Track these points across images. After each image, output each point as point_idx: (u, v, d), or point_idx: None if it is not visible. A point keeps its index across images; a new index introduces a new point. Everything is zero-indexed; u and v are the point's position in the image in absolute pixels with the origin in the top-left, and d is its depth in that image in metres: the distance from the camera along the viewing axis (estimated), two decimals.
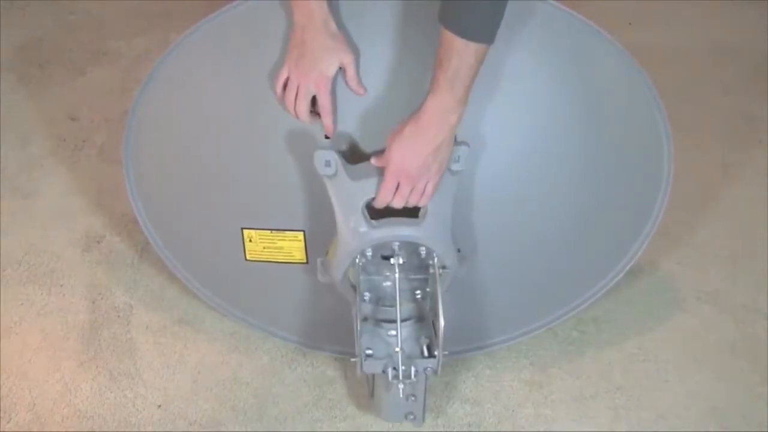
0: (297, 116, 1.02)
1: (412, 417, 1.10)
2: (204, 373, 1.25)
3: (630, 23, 1.98)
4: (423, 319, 1.05)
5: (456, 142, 0.98)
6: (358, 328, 1.01)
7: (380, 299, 1.05)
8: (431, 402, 1.19)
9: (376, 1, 1.02)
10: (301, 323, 1.24)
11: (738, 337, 1.29)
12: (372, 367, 1.02)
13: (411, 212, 1.00)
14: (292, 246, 1.14)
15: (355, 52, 1.00)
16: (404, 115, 0.96)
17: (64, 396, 1.22)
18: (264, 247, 1.15)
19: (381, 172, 0.98)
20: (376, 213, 1.00)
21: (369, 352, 1.01)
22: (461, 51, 0.88)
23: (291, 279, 1.17)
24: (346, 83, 1.01)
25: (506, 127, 1.06)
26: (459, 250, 1.05)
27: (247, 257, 1.17)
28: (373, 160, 0.99)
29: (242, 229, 1.15)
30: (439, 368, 1.00)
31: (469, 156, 1.00)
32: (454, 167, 1.00)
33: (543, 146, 1.08)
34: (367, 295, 1.03)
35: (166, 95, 1.14)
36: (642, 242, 1.18)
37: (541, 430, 1.18)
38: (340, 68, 0.99)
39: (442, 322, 0.96)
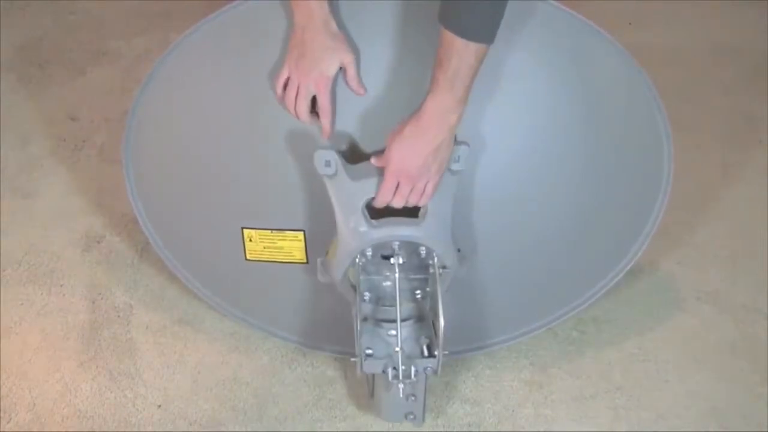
0: (297, 116, 1.02)
1: (412, 417, 1.10)
2: (204, 373, 1.25)
3: (630, 23, 1.98)
4: (423, 319, 1.05)
5: (456, 142, 0.98)
6: (358, 328, 1.01)
7: (380, 299, 1.05)
8: (431, 402, 1.19)
9: (376, 1, 1.02)
10: (301, 323, 1.24)
11: (738, 337, 1.29)
12: (372, 367, 1.02)
13: (411, 212, 1.00)
14: (292, 246, 1.14)
15: (356, 52, 1.00)
16: (404, 115, 0.96)
17: (64, 396, 1.22)
18: (264, 247, 1.15)
19: (381, 171, 0.98)
20: (376, 213, 1.00)
21: (369, 352, 1.02)
22: (461, 51, 0.88)
23: (291, 279, 1.17)
24: (347, 83, 1.01)
25: (506, 127, 1.06)
26: (459, 250, 1.05)
27: (248, 257, 1.17)
28: (373, 160, 0.99)
29: (242, 228, 1.15)
30: (439, 368, 1.00)
31: (469, 156, 1.00)
32: (454, 167, 1.00)
33: (543, 146, 1.08)
34: (367, 295, 1.03)
35: (166, 95, 1.14)
36: (642, 242, 1.18)
37: (541, 430, 1.18)
38: (341, 68, 1.00)
39: (442, 322, 0.96)
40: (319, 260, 1.09)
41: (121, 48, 1.94)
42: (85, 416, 1.19)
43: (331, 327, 1.21)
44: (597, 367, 1.26)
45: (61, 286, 1.39)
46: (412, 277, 1.04)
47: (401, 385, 1.01)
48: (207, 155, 1.13)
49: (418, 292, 1.04)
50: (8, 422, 1.18)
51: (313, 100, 1.01)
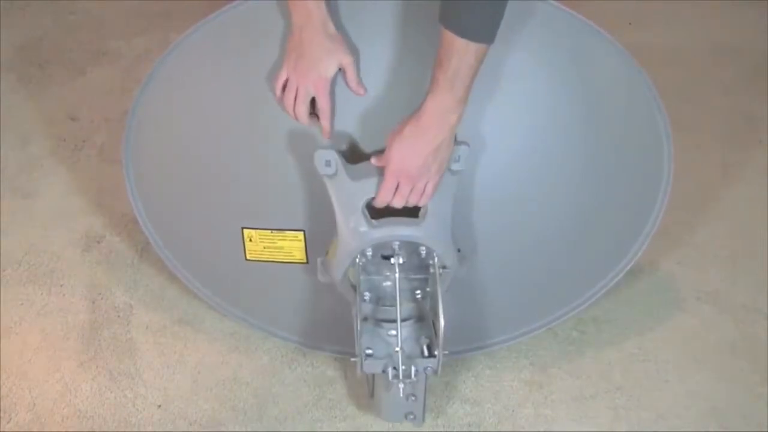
0: (296, 118, 1.02)
1: (412, 417, 1.10)
2: (204, 373, 1.25)
3: (630, 23, 1.98)
4: (423, 318, 1.05)
5: (456, 142, 0.98)
6: (358, 327, 1.01)
7: (380, 299, 1.05)
8: (431, 402, 1.19)
9: (376, 1, 1.02)
10: (301, 323, 1.24)
11: (738, 337, 1.29)
12: (372, 366, 1.02)
13: (411, 212, 1.00)
14: (292, 246, 1.14)
15: (354, 53, 1.00)
16: (404, 115, 0.96)
17: (64, 396, 1.22)
18: (264, 247, 1.15)
19: (381, 171, 0.98)
20: (377, 213, 1.00)
21: (369, 351, 1.01)
22: (461, 51, 0.88)
23: (291, 279, 1.17)
24: (346, 84, 1.01)
25: (506, 127, 1.06)
26: (459, 250, 1.05)
27: (248, 257, 1.17)
28: (373, 160, 0.99)
29: (242, 228, 1.15)
30: (439, 368, 1.00)
31: (469, 156, 1.00)
32: (454, 167, 1.00)
33: (543, 146, 1.08)
34: (367, 295, 1.03)
35: (166, 95, 1.14)
36: (642, 242, 1.18)
37: (541, 430, 1.18)
38: (340, 69, 1.00)
39: (442, 322, 0.96)
40: (319, 260, 1.09)
41: (121, 48, 1.94)
42: (85, 416, 1.19)
43: (331, 327, 1.21)
44: (597, 367, 1.26)
45: (61, 286, 1.39)
46: (412, 277, 1.04)
47: (401, 385, 1.01)
48: (207, 155, 1.13)
49: (418, 292, 1.04)
50: (8, 422, 1.18)
51: (313, 100, 1.01)
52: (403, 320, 1.01)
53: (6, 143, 1.68)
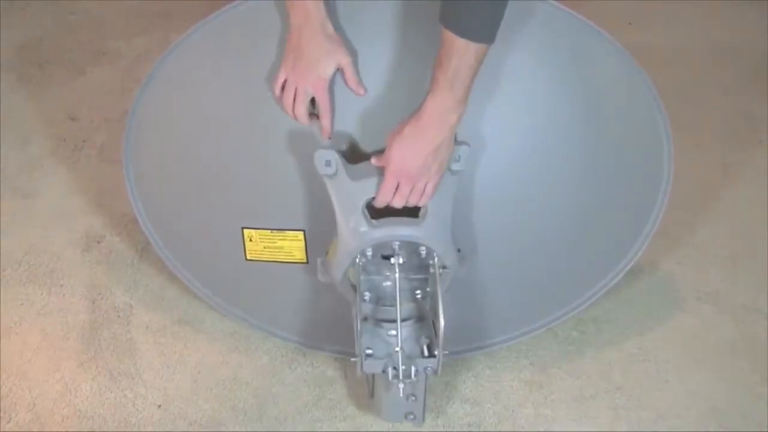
0: (296, 118, 1.02)
1: (412, 417, 1.10)
2: (204, 373, 1.25)
3: (630, 23, 1.98)
4: (423, 318, 1.05)
5: (456, 142, 0.98)
6: (358, 327, 1.01)
7: (380, 299, 1.05)
8: (431, 402, 1.19)
9: (376, 1, 1.02)
10: (301, 323, 1.24)
11: (738, 337, 1.29)
12: (372, 366, 1.02)
13: (411, 212, 1.00)
14: (292, 246, 1.14)
15: (353, 53, 1.00)
16: (404, 115, 0.96)
17: (64, 396, 1.22)
18: (264, 247, 1.15)
19: (381, 171, 0.98)
20: (377, 213, 1.00)
21: (369, 351, 1.01)
22: (461, 51, 0.88)
23: (291, 279, 1.17)
24: (346, 84, 1.01)
25: (506, 127, 1.06)
26: (459, 250, 1.05)
27: (248, 257, 1.17)
28: (373, 160, 0.99)
29: (242, 228, 1.15)
30: (440, 368, 1.00)
31: (470, 156, 1.00)
32: (455, 167, 1.00)
33: (543, 146, 1.08)
34: (367, 295, 1.03)
35: (166, 95, 1.14)
36: (642, 242, 1.18)
37: (541, 430, 1.18)
38: (338, 69, 0.99)
39: (442, 322, 0.96)
40: (319, 260, 1.09)
41: (121, 48, 1.94)
42: (85, 416, 1.19)
43: (331, 327, 1.21)
44: (597, 367, 1.26)
45: (61, 286, 1.39)
46: (413, 277, 1.04)
47: (401, 385, 1.01)
48: (207, 155, 1.13)
49: (419, 292, 1.04)
50: (8, 422, 1.18)
51: (313, 100, 1.01)
52: (403, 320, 1.01)
53: (6, 143, 1.68)
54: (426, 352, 1.01)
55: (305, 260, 1.15)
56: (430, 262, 1.01)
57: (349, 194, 1.00)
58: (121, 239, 1.47)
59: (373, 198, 0.99)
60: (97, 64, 1.89)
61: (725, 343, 1.29)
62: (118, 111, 1.72)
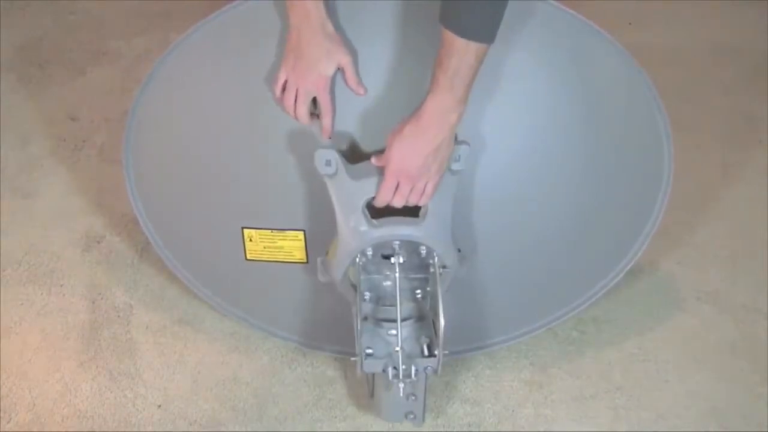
0: (297, 119, 1.02)
1: (412, 416, 1.10)
2: (204, 373, 1.25)
3: (630, 23, 1.98)
4: (423, 318, 1.05)
5: (456, 142, 0.98)
6: (358, 327, 1.01)
7: (380, 299, 1.05)
8: (431, 402, 1.19)
9: (376, 2, 1.02)
10: (301, 323, 1.24)
11: (738, 337, 1.29)
12: (372, 366, 1.02)
13: (411, 212, 1.00)
14: (292, 245, 1.14)
15: (353, 53, 1.00)
16: (404, 115, 0.96)
17: (64, 396, 1.22)
18: (264, 247, 1.15)
19: (381, 171, 0.98)
20: (377, 212, 1.00)
21: (369, 351, 1.01)
22: (461, 51, 0.88)
23: (291, 279, 1.17)
24: (346, 83, 1.01)
25: (506, 127, 1.06)
26: (459, 250, 1.05)
27: (248, 257, 1.17)
28: (373, 160, 0.99)
29: (242, 228, 1.15)
30: (440, 368, 1.00)
31: (470, 156, 1.00)
32: (455, 167, 1.00)
33: (543, 146, 1.08)
34: (367, 295, 1.03)
35: (166, 95, 1.14)
36: (642, 242, 1.18)
37: (541, 430, 1.18)
38: (339, 69, 1.00)
39: (442, 321, 0.96)
40: (319, 260, 1.09)
41: (121, 48, 1.94)
42: (85, 416, 1.19)
43: (331, 327, 1.21)
44: (597, 367, 1.26)
45: (61, 286, 1.39)
46: (413, 276, 1.04)
47: (401, 385, 1.01)
48: (207, 155, 1.13)
49: (419, 291, 1.04)
50: (8, 422, 1.18)
51: (313, 100, 1.01)
52: (403, 320, 1.01)
53: (6, 143, 1.68)
54: (426, 352, 1.01)
55: (305, 260, 1.15)
56: (430, 261, 1.01)
57: (349, 194, 1.00)
58: (121, 239, 1.47)
59: (373, 198, 0.99)
60: (97, 64, 1.89)
61: (725, 343, 1.29)
62: (118, 111, 1.72)
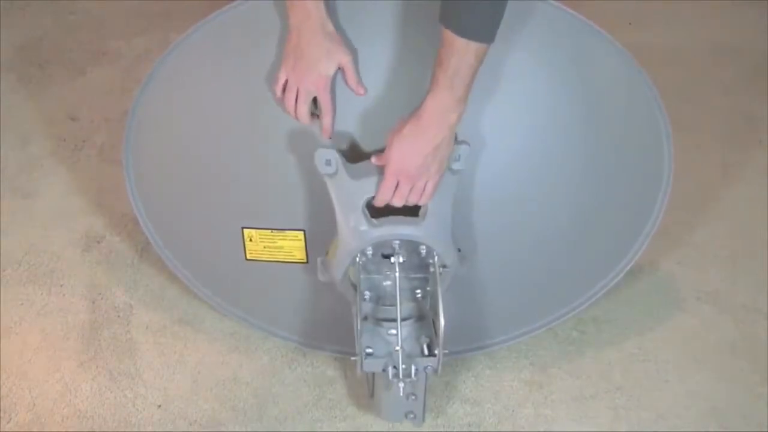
0: (297, 119, 1.02)
1: (412, 416, 1.10)
2: (204, 373, 1.25)
3: (630, 23, 1.98)
4: (423, 318, 1.05)
5: (456, 141, 0.98)
6: (358, 327, 1.01)
7: (380, 298, 1.05)
8: (431, 402, 1.19)
9: (376, 1, 1.02)
10: (301, 323, 1.24)
11: (738, 337, 1.29)
12: (372, 365, 1.02)
13: (411, 211, 1.00)
14: (292, 245, 1.14)
15: (353, 52, 1.00)
16: (404, 115, 0.96)
17: (64, 396, 1.22)
18: (264, 247, 1.15)
19: (381, 170, 0.98)
20: (377, 212, 1.00)
21: (369, 351, 1.01)
22: (461, 50, 0.88)
23: (291, 279, 1.17)
24: (346, 83, 1.01)
25: (506, 126, 1.06)
26: (459, 250, 1.05)
27: (248, 257, 1.17)
28: (373, 159, 0.99)
29: (242, 228, 1.15)
30: (440, 367, 1.00)
31: (470, 155, 1.00)
32: (455, 166, 1.00)
33: (543, 146, 1.08)
34: (367, 294, 1.04)
35: (166, 95, 1.14)
36: (642, 242, 1.18)
37: (541, 430, 1.18)
38: (339, 69, 1.00)
39: (442, 321, 0.96)
40: (319, 259, 1.09)
41: (121, 48, 1.94)
42: (85, 416, 1.19)
43: (331, 327, 1.21)
44: (597, 367, 1.26)
45: (61, 286, 1.39)
46: (413, 276, 1.04)
47: (401, 384, 1.01)
48: (207, 155, 1.13)
49: (419, 291, 1.04)
50: (8, 422, 1.18)
51: (314, 100, 1.01)
52: (403, 319, 1.01)
53: (6, 143, 1.68)
54: (426, 352, 1.01)
55: (305, 260, 1.15)
56: (430, 261, 1.01)
57: (349, 193, 1.00)
58: (121, 239, 1.47)
59: (373, 197, 0.99)
60: (97, 64, 1.89)
61: (725, 343, 1.29)
62: (118, 111, 1.72)
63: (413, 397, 1.06)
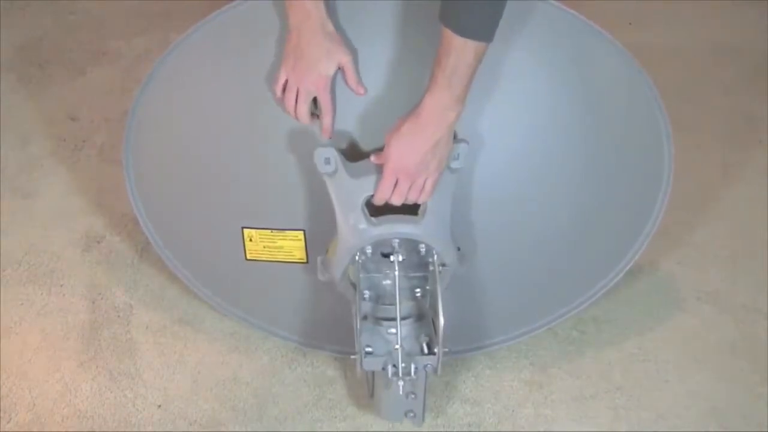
0: (298, 119, 1.02)
1: (412, 415, 1.10)
2: (204, 373, 1.25)
3: (630, 23, 1.98)
4: (423, 317, 1.05)
5: (455, 140, 0.98)
6: (358, 326, 1.01)
7: (380, 297, 1.05)
8: (431, 402, 1.19)
9: (376, 1, 1.02)
10: (301, 323, 1.24)
11: (738, 337, 1.29)
12: (372, 364, 1.02)
13: (411, 210, 1.00)
14: (292, 245, 1.14)
15: (353, 52, 1.00)
16: (404, 114, 0.96)
17: (64, 396, 1.22)
18: (264, 247, 1.15)
19: (380, 169, 0.98)
20: (376, 211, 1.01)
21: (369, 349, 1.01)
22: (460, 49, 0.88)
23: (291, 278, 1.17)
24: (346, 83, 1.01)
25: (506, 126, 1.06)
26: (459, 249, 1.05)
27: (248, 257, 1.17)
28: (372, 158, 0.99)
29: (242, 228, 1.15)
30: (439, 366, 1.00)
31: (469, 154, 1.00)
32: (454, 165, 1.00)
33: (543, 146, 1.08)
34: (366, 293, 1.04)
35: (166, 95, 1.14)
36: (642, 242, 1.18)
37: (541, 430, 1.17)
38: (339, 69, 1.00)
39: (441, 320, 0.96)
40: (319, 258, 1.09)
41: (121, 48, 1.94)
42: (85, 416, 1.19)
43: (331, 326, 1.21)
44: (597, 367, 1.26)
45: (61, 286, 1.39)
46: (412, 275, 1.04)
47: (401, 383, 1.01)
48: (207, 155, 1.13)
49: (418, 290, 1.04)
50: (8, 422, 1.18)
51: (314, 100, 1.01)
52: (402, 318, 1.01)
53: (6, 143, 1.68)
54: (426, 350, 1.01)
55: (305, 260, 1.15)
56: (430, 259, 1.01)
57: (348, 192, 1.00)
58: (121, 239, 1.47)
59: (373, 195, 0.99)
60: (97, 64, 1.90)
61: (725, 343, 1.29)
62: (118, 111, 1.72)
63: (413, 396, 1.06)
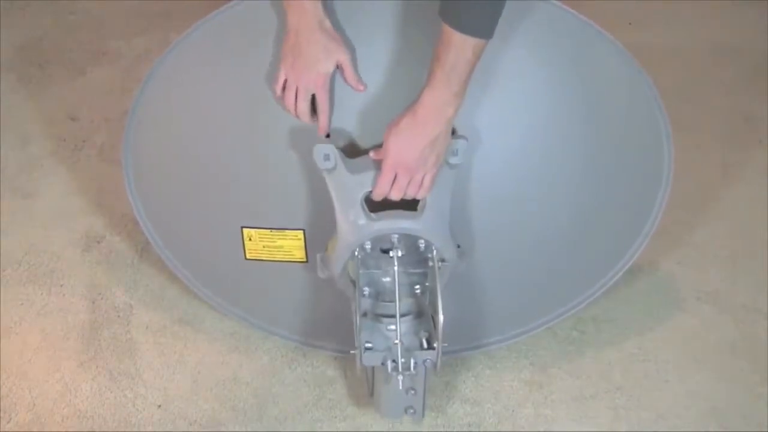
0: (298, 117, 1.02)
1: (412, 411, 1.10)
2: (204, 373, 1.25)
3: (630, 23, 1.98)
4: (422, 314, 1.05)
5: (454, 136, 0.98)
6: (358, 323, 1.01)
7: (379, 294, 1.05)
8: (431, 402, 1.19)
9: (375, 1, 1.02)
10: (301, 322, 1.24)
11: (738, 337, 1.29)
12: (371, 359, 1.01)
13: (410, 206, 1.00)
14: (292, 245, 1.14)
15: (351, 50, 1.00)
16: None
17: (64, 396, 1.22)
18: (264, 246, 1.15)
19: (379, 165, 0.98)
20: (376, 207, 1.01)
21: (368, 346, 1.01)
22: (459, 46, 0.88)
23: (291, 278, 1.17)
24: (345, 81, 1.01)
25: (505, 125, 1.06)
26: (458, 246, 1.05)
27: (247, 256, 1.17)
28: (371, 154, 0.99)
29: (242, 228, 1.15)
30: (439, 361, 1.00)
31: (468, 150, 1.00)
32: (452, 161, 1.00)
33: (542, 145, 1.08)
34: (366, 290, 1.03)
35: (166, 95, 1.14)
36: (642, 242, 1.18)
37: (541, 430, 1.17)
38: (338, 66, 1.00)
39: (441, 316, 0.96)
40: (318, 256, 1.09)
41: (121, 48, 1.95)
42: (85, 416, 1.19)
43: (331, 326, 1.21)
44: (597, 367, 1.26)
45: (61, 286, 1.39)
46: (411, 271, 1.04)
47: (401, 377, 1.01)
48: (206, 155, 1.13)
49: (417, 287, 1.04)
50: (8, 422, 1.18)
51: (314, 98, 1.01)
52: (402, 315, 1.01)
53: (6, 143, 1.68)
54: (425, 345, 1.01)
55: (305, 259, 1.15)
56: (429, 255, 1.01)
57: (347, 188, 1.00)
58: (121, 239, 1.47)
59: (372, 191, 0.99)
60: (97, 64, 1.90)
61: (725, 343, 1.28)
62: (118, 111, 1.72)
63: (413, 392, 1.06)
